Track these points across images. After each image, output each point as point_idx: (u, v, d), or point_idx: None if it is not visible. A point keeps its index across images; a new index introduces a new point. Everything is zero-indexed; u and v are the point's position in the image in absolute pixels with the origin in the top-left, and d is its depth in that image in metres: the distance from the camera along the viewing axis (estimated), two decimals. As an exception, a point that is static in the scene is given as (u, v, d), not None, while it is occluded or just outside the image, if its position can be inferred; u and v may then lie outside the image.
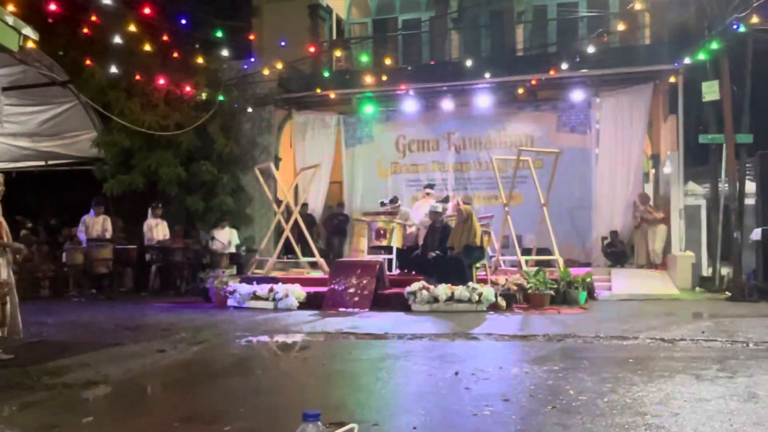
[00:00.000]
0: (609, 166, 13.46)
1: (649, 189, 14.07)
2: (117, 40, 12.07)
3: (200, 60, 13.39)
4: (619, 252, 13.00)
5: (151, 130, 12.76)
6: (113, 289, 12.25)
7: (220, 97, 13.57)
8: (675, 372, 4.95)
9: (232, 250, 13.08)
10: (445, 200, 12.09)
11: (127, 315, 9.12)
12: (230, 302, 10.08)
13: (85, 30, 12.00)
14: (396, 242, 11.33)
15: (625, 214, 13.20)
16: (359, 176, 15.20)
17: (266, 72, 13.70)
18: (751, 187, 11.59)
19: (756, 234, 10.68)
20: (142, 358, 5.83)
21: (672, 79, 12.48)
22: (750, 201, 11.46)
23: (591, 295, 10.23)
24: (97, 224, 12.06)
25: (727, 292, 10.68)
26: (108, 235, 12.16)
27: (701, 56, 11.25)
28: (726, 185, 11.28)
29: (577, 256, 13.22)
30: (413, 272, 10.74)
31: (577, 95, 13.44)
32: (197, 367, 5.64)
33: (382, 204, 12.60)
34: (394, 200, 12.57)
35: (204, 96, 13.55)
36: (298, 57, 13.87)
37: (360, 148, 15.25)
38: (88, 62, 12.70)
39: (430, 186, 12.99)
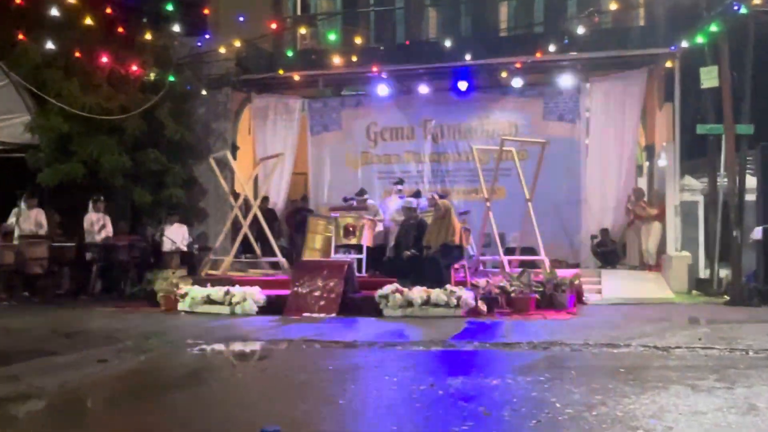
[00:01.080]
0: (600, 158, 13.56)
1: (642, 183, 14.23)
2: (54, 12, 11.83)
3: (148, 36, 13.19)
4: (610, 252, 13.13)
5: (93, 114, 12.54)
6: (49, 291, 12.03)
7: (171, 78, 13.41)
8: (669, 382, 5.01)
9: (184, 248, 12.96)
10: (416, 195, 12.09)
11: (64, 321, 8.99)
12: (181, 307, 10.01)
13: (17, 0, 11.75)
14: (366, 240, 11.31)
15: (617, 210, 13.33)
16: (326, 167, 15.12)
17: (223, 50, 13.52)
18: (751, 181, 11.77)
19: (757, 233, 10.88)
20: (81, 368, 5.74)
21: (668, 64, 12.61)
22: (750, 197, 11.61)
23: (579, 299, 10.33)
24: (29, 218, 11.83)
25: (725, 296, 10.86)
26: (43, 231, 11.92)
27: (699, 40, 11.40)
28: (725, 180, 11.45)
29: (564, 257, 13.29)
30: (385, 274, 10.72)
31: (566, 80, 13.51)
32: (143, 378, 5.58)
33: (345, 200, 12.57)
34: (361, 193, 12.55)
35: (152, 76, 13.38)
36: (258, 34, 13.74)
37: (327, 136, 15.17)
38: (20, 37, 12.43)
39: (400, 182, 12.97)
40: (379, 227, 11.95)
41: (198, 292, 10.00)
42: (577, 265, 12.91)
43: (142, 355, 6.45)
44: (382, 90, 14.21)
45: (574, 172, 13.74)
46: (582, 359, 6.07)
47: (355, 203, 12.25)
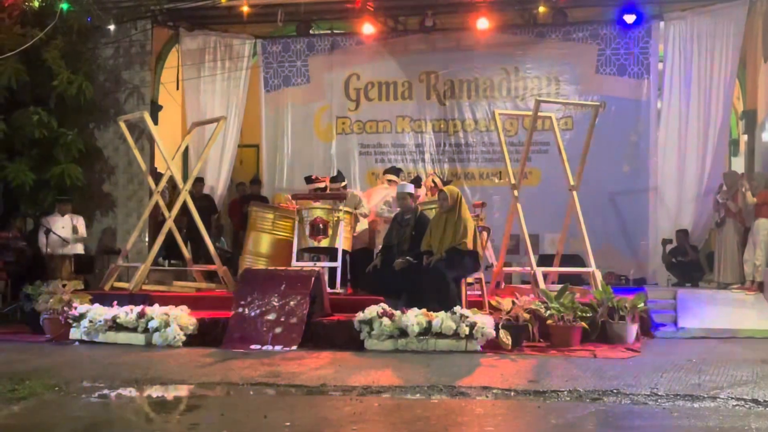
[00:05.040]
0: (677, 128, 13.60)
1: (738, 165, 14.23)
2: None
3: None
4: (689, 263, 13.14)
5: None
6: None
7: (64, 6, 13.30)
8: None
9: (80, 250, 12.86)
10: (415, 182, 12.00)
11: None
12: (75, 334, 9.93)
13: None
14: (343, 242, 11.24)
15: (701, 204, 13.42)
16: (286, 137, 15.11)
17: (139, -34, 13.52)
18: None
19: None
20: (-75, 423, 5.66)
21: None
22: None
23: (645, 330, 10.30)
24: None
25: None
26: None
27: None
28: None
29: (624, 269, 13.36)
30: (369, 290, 10.68)
31: (630, 17, 13.51)
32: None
33: (310, 181, 12.42)
34: (337, 178, 12.43)
35: (37, 3, 13.25)
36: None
37: (288, 93, 15.16)
38: None
39: (394, 171, 12.75)
40: (363, 223, 11.87)
41: (100, 313, 9.92)
42: (642, 282, 12.90)
43: (15, 403, 6.39)
44: (368, 28, 14.15)
45: (641, 148, 13.77)
46: (647, 417, 6.01)
47: (326, 189, 12.13)
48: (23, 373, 7.62)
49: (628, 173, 13.74)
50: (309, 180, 12.28)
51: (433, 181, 11.66)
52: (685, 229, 13.30)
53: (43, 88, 13.39)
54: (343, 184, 12.29)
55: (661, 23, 13.72)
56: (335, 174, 12.67)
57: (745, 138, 14.43)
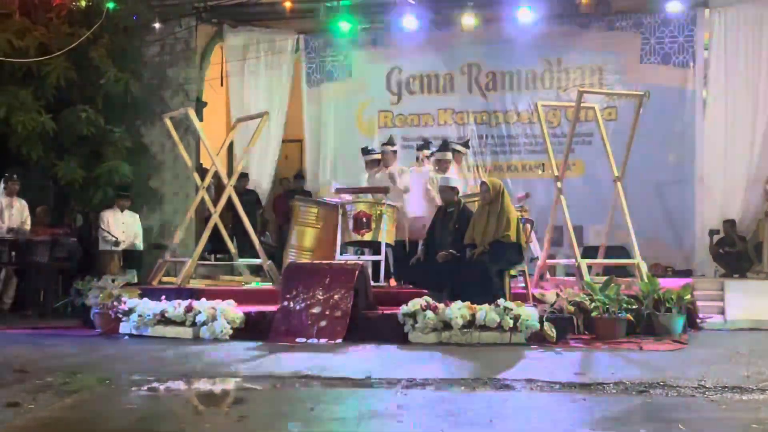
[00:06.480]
0: (724, 117, 13.49)
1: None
2: None
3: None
4: (737, 253, 13.01)
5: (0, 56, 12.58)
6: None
7: (111, 5, 13.44)
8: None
9: (129, 245, 12.97)
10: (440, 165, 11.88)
11: (-41, 348, 9.01)
12: (125, 328, 10.02)
13: None
14: (385, 236, 11.25)
15: (750, 193, 13.31)
16: (329, 131, 15.16)
17: (184, -36, 13.62)
18: None
19: None
20: (-18, 416, 5.73)
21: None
22: None
23: (692, 322, 10.21)
24: None
25: None
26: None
27: None
28: None
29: (670, 260, 13.28)
30: (412, 283, 10.69)
31: (674, 5, 13.39)
32: (70, 429, 5.55)
33: (367, 151, 12.41)
34: (389, 142, 12.41)
35: (84, 2, 13.38)
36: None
37: (331, 88, 15.21)
38: None
39: (425, 145, 12.69)
40: (412, 209, 11.82)
41: (148, 307, 9.98)
42: (689, 273, 12.80)
43: (67, 396, 6.40)
44: (410, 22, 14.14)
45: (686, 137, 13.67)
46: (695, 409, 5.93)
47: (380, 161, 12.12)
48: (75, 366, 7.69)
49: (673, 163, 13.63)
50: (365, 151, 12.39)
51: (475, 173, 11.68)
52: (732, 219, 13.17)
53: (90, 87, 13.54)
54: (393, 148, 12.31)
55: (706, 11, 13.59)
56: (387, 140, 12.69)
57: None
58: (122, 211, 13.20)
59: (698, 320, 10.46)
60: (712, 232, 13.21)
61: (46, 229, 12.70)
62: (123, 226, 13.04)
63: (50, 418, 5.80)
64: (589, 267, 10.83)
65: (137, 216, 13.43)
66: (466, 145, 12.92)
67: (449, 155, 11.84)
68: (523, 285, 10.35)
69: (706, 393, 6.40)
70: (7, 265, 12.40)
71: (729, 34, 13.45)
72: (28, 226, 12.57)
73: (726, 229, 13.09)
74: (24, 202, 12.70)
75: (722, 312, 10.98)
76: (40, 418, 5.79)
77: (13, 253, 12.28)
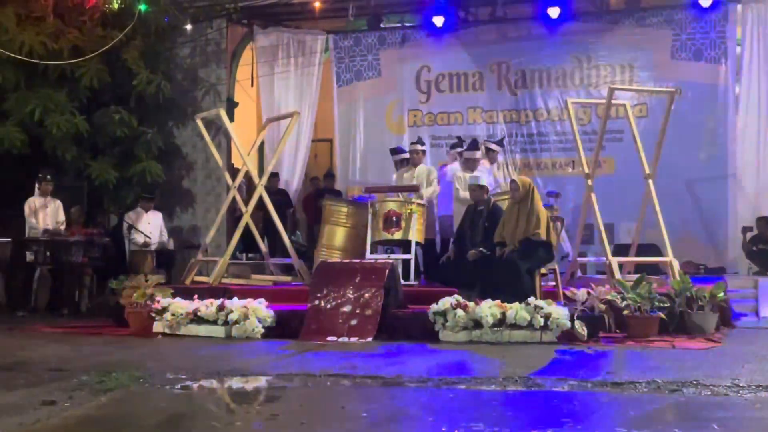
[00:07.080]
0: (757, 113, 13.36)
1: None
2: None
3: (110, -52, 13.37)
4: (771, 251, 12.90)
5: (34, 58, 12.70)
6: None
7: (143, 7, 13.51)
8: None
9: (162, 245, 13.06)
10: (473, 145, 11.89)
11: (-4, 347, 9.10)
12: (158, 327, 10.05)
13: None
14: (415, 234, 11.25)
15: (784, 190, 13.13)
16: (359, 131, 15.18)
17: (214, -34, 13.68)
18: None
19: None
20: (20, 413, 5.76)
21: None
22: None
23: (725, 320, 10.12)
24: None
25: None
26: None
27: None
28: None
29: (703, 258, 13.12)
30: (443, 282, 10.69)
31: (706, 0, 13.28)
32: (105, 427, 5.57)
33: (396, 151, 12.56)
34: (418, 142, 12.52)
35: (116, 4, 13.49)
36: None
37: (360, 87, 15.21)
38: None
39: (459, 143, 12.78)
40: (441, 208, 11.89)
41: (181, 306, 10.02)
42: (722, 271, 12.68)
43: (103, 395, 6.43)
44: (439, 20, 14.13)
45: (718, 134, 13.55)
46: (729, 408, 5.87)
47: (409, 160, 12.24)
48: (109, 365, 7.73)
49: (705, 160, 13.51)
50: (394, 151, 12.47)
51: (506, 171, 11.64)
52: (766, 216, 13.02)
53: (123, 88, 13.64)
54: (422, 147, 12.37)
55: (738, 6, 13.44)
56: (416, 140, 12.78)
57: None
58: (147, 212, 13.27)
59: (731, 318, 10.36)
60: (745, 230, 13.07)
61: (80, 229, 12.76)
62: (148, 227, 13.09)
63: (85, 416, 5.84)
64: (621, 265, 10.78)
65: (160, 215, 13.48)
66: (500, 143, 12.93)
67: (478, 154, 11.89)
68: (553, 283, 10.33)
69: (740, 392, 6.35)
70: (42, 264, 12.49)
71: (762, 30, 13.31)
72: (62, 227, 12.66)
73: (759, 226, 12.95)
74: (59, 203, 12.81)
75: (755, 310, 10.89)
76: (76, 416, 5.83)
77: (48, 253, 12.40)
